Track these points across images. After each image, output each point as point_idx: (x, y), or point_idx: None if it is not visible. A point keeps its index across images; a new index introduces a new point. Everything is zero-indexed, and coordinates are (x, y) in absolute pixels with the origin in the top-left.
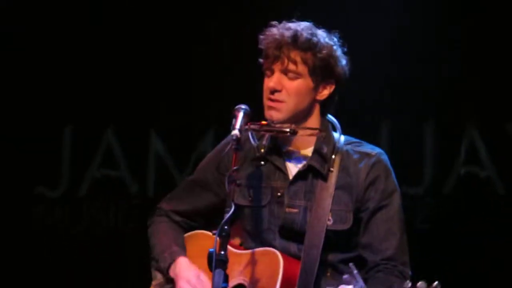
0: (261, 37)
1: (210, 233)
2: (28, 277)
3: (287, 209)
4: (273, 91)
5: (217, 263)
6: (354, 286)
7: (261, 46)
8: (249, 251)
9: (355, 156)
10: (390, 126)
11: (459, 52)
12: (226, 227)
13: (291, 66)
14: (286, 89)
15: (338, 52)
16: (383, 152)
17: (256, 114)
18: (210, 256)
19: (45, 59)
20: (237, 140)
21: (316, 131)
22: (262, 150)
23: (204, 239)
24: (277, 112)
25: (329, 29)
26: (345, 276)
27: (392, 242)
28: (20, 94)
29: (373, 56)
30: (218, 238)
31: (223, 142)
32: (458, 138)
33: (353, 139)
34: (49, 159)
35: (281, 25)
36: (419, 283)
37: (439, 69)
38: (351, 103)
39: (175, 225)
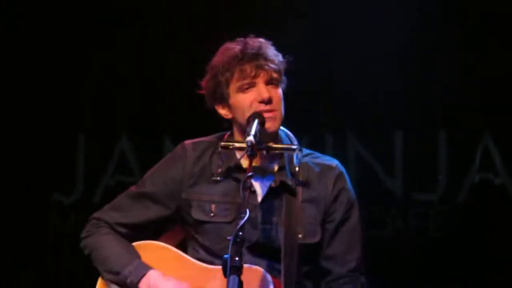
0: (220, 57)
1: (162, 244)
2: (42, 283)
3: (262, 226)
4: (268, 101)
5: (231, 270)
6: None
7: (226, 64)
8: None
9: (316, 169)
10: (404, 134)
11: (473, 60)
12: (240, 233)
13: (274, 74)
14: (275, 97)
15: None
16: (339, 163)
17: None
18: (224, 262)
19: (59, 67)
20: (252, 146)
21: (296, 149)
22: (219, 170)
23: (159, 251)
24: (274, 121)
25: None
26: None
27: (355, 254)
28: (34, 102)
29: (386, 66)
30: (232, 245)
31: (175, 154)
32: (472, 145)
33: (307, 151)
34: (64, 166)
35: (237, 42)
36: None
37: (453, 77)
38: (365, 111)
39: (121, 237)
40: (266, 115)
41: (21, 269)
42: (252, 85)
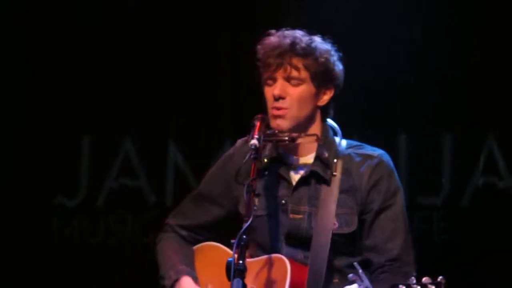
0: (259, 47)
1: (219, 245)
2: (45, 286)
3: (291, 215)
4: (278, 98)
5: (235, 273)
6: (359, 285)
7: (260, 56)
8: (257, 258)
9: (357, 159)
10: (408, 137)
11: (478, 63)
12: (244, 236)
13: (294, 73)
14: (290, 95)
15: (335, 56)
16: (385, 153)
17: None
18: (228, 265)
19: (62, 70)
20: (256, 149)
21: (314, 137)
22: (266, 160)
23: (214, 251)
24: (283, 120)
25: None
26: (350, 275)
27: (397, 242)
28: (38, 104)
29: (391, 68)
30: (236, 248)
31: (226, 154)
32: (476, 149)
33: (355, 143)
34: (67, 169)
35: (278, 33)
36: (424, 279)
37: (457, 80)
38: (368, 115)
39: (182, 240)
40: (274, 112)
41: (24, 272)
42: (274, 80)
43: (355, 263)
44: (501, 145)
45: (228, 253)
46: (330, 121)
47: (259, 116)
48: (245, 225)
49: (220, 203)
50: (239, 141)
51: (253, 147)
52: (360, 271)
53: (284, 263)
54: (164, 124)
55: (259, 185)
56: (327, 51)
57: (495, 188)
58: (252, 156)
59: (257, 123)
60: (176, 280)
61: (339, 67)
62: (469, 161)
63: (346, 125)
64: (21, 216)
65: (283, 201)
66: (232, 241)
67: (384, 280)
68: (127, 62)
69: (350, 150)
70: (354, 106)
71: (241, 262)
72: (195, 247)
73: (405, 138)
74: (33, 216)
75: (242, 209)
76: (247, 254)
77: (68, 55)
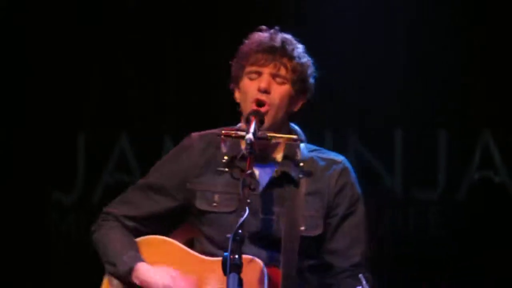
0: (247, 41)
1: (168, 239)
2: (41, 283)
3: (263, 216)
4: (264, 91)
5: (231, 267)
6: None
7: (246, 49)
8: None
9: (322, 163)
10: (404, 132)
11: (473, 58)
12: (240, 231)
13: (282, 71)
14: (275, 91)
15: (312, 69)
16: (346, 159)
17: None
18: (224, 260)
19: (62, 70)
20: (251, 144)
21: (294, 138)
22: (226, 158)
23: (163, 245)
24: (265, 116)
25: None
26: None
27: (359, 249)
28: (34, 101)
29: (385, 63)
30: (231, 242)
31: (181, 145)
32: (472, 143)
33: (314, 146)
34: (63, 165)
35: (268, 31)
36: None
37: (453, 74)
38: (365, 110)
39: (127, 231)
40: (255, 107)
41: (21, 268)
42: (259, 74)
43: (360, 275)
44: (496, 140)
45: (179, 247)
46: (293, 125)
47: (254, 110)
48: (241, 220)
49: (172, 195)
50: (195, 135)
51: (248, 141)
52: (364, 282)
53: (260, 266)
54: (159, 119)
55: (222, 182)
56: (309, 61)
57: (491, 183)
58: (247, 151)
59: (252, 118)
60: (133, 266)
61: (313, 81)
62: (465, 155)
63: (344, 121)
64: (18, 213)
65: (248, 200)
66: (228, 235)
67: (349, 285)
68: (127, 62)
69: (312, 154)
70: (350, 101)
71: (237, 257)
72: (138, 240)
73: (401, 133)
74: (29, 212)
75: (200, 205)
76: (196, 253)
77: (68, 55)
